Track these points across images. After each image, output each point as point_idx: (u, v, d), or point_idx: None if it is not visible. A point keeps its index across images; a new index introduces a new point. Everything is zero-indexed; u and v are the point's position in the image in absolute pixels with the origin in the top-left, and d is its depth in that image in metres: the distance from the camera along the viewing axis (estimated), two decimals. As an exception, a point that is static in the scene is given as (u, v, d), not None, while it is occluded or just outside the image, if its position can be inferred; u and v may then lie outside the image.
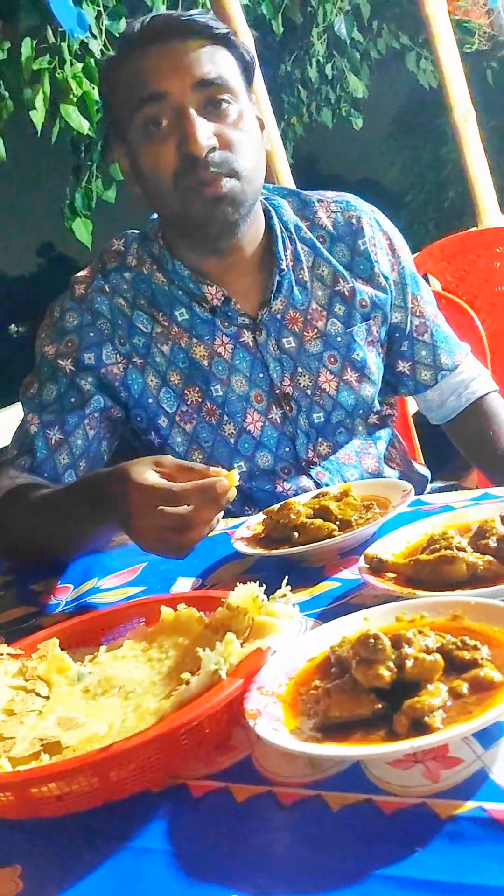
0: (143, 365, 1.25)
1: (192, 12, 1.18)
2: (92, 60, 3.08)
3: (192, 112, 1.12)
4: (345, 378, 1.28)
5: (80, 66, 3.05)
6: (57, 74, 3.08)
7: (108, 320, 1.25)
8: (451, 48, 3.87)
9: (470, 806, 0.48)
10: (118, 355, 1.25)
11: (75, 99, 3.03)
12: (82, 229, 4.11)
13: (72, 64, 3.04)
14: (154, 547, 0.92)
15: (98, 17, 3.02)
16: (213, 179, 1.14)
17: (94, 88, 3.09)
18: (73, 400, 1.24)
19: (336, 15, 4.91)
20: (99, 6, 3.07)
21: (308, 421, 1.27)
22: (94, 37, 3.04)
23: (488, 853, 0.45)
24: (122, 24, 3.07)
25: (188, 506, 0.86)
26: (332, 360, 1.28)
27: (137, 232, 1.32)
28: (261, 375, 1.25)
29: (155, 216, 1.29)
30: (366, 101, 5.74)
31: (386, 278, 1.31)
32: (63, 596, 1.06)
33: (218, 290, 1.22)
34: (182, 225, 1.20)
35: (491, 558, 0.71)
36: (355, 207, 1.32)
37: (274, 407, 1.26)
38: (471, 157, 3.84)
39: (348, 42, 5.15)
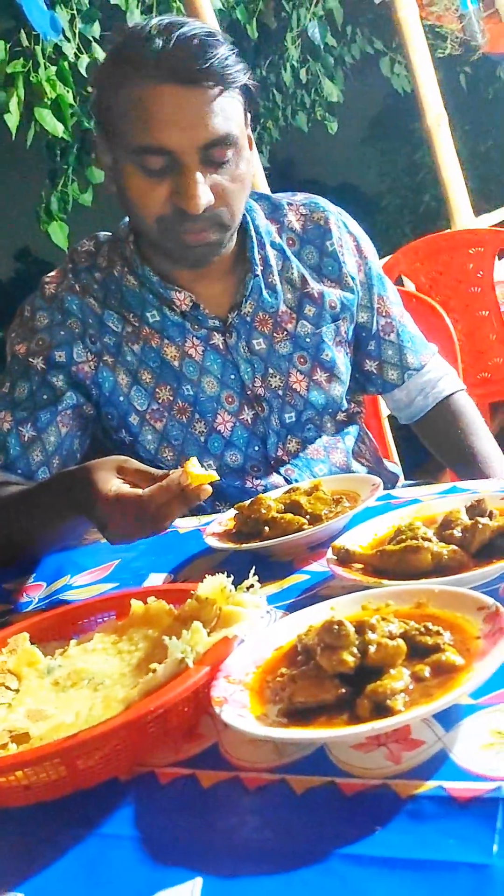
0: (114, 363, 1.25)
1: (216, 49, 1.08)
2: (66, 63, 3.08)
3: (196, 174, 1.09)
4: (315, 378, 1.30)
5: (53, 69, 3.04)
6: (31, 78, 3.07)
7: (79, 319, 1.25)
8: (423, 53, 3.91)
9: (430, 785, 0.49)
10: (89, 353, 1.25)
11: (49, 102, 3.03)
12: (59, 233, 4.10)
13: (46, 67, 3.03)
14: (125, 542, 0.95)
15: (72, 21, 3.02)
16: (199, 230, 1.14)
17: (68, 92, 3.09)
18: (45, 397, 1.24)
19: (310, 20, 4.94)
20: (72, 9, 3.07)
21: (280, 421, 1.28)
22: (68, 40, 3.04)
23: (447, 829, 0.46)
24: (96, 28, 3.08)
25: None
26: (302, 360, 1.29)
27: (108, 234, 1.33)
28: (232, 377, 1.26)
29: (127, 219, 1.29)
30: (341, 105, 5.78)
31: (353, 279, 1.33)
32: (35, 593, 1.06)
33: (186, 296, 1.23)
34: (155, 247, 1.21)
35: (455, 548, 0.72)
36: (323, 209, 1.34)
37: (246, 408, 1.27)
38: (444, 161, 3.88)
39: (322, 47, 5.19)
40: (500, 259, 2.72)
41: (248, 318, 1.26)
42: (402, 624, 0.60)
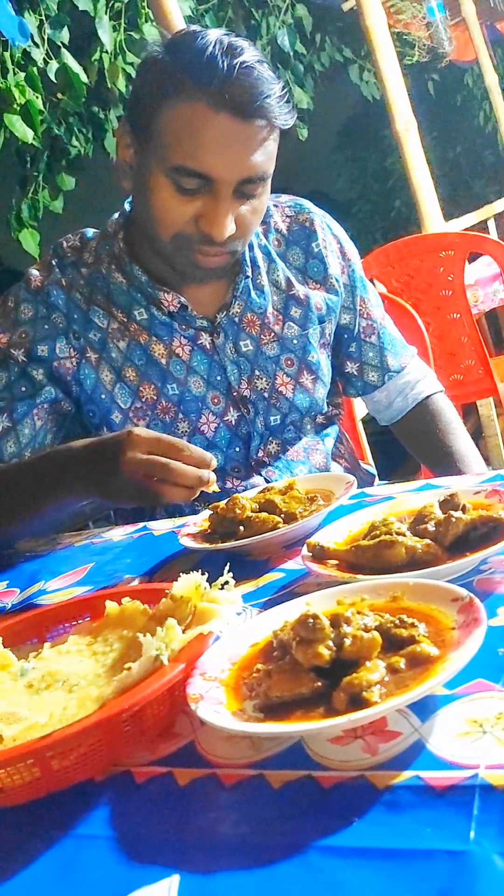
0: (98, 360, 1.24)
1: (273, 87, 1.08)
2: (35, 69, 3.07)
3: (228, 204, 1.11)
4: (300, 380, 1.30)
5: (22, 75, 3.03)
6: (0, 84, 3.06)
7: (64, 314, 1.24)
8: (391, 60, 3.95)
9: (406, 775, 0.49)
10: (72, 349, 1.24)
11: (19, 108, 3.01)
12: (30, 240, 4.08)
13: (14, 73, 3.02)
14: (134, 489, 0.97)
15: (40, 26, 3.01)
16: (214, 255, 1.16)
17: (37, 98, 3.07)
18: (23, 389, 1.23)
19: (279, 28, 4.97)
20: (41, 15, 3.06)
21: (265, 423, 1.28)
22: (37, 45, 3.03)
23: (423, 819, 0.46)
24: (65, 33, 3.07)
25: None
26: (289, 362, 1.29)
27: (95, 230, 1.31)
28: (218, 378, 1.26)
29: (117, 215, 1.29)
30: (311, 112, 5.81)
31: (337, 280, 1.34)
32: (8, 599, 1.05)
33: (174, 297, 1.23)
34: (160, 257, 1.20)
35: (429, 542, 0.72)
36: (308, 210, 1.36)
37: (231, 409, 1.26)
38: (413, 166, 3.92)
39: (292, 54, 5.22)
40: (470, 263, 2.75)
41: (236, 319, 1.26)
42: (377, 617, 0.60)
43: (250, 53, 1.07)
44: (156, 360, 1.24)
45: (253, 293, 1.27)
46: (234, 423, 1.27)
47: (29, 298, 1.25)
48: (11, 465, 1.19)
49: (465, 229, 4.31)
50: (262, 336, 1.28)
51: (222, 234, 1.11)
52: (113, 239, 1.27)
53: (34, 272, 1.27)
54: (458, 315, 2.61)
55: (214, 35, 1.08)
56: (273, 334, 1.28)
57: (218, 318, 1.25)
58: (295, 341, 1.29)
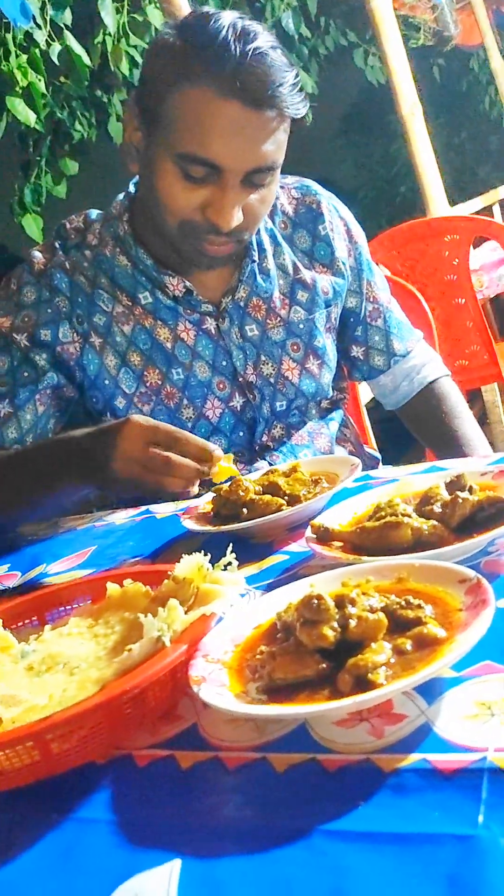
0: (102, 345, 1.22)
1: (286, 76, 1.04)
2: (37, 51, 3.04)
3: (236, 194, 1.08)
4: (307, 366, 1.29)
5: (24, 57, 3.00)
6: (2, 66, 3.03)
7: (67, 298, 1.22)
8: (397, 43, 3.90)
9: (413, 758, 0.48)
10: (75, 334, 1.22)
11: (21, 91, 2.98)
12: (33, 225, 4.06)
13: (17, 55, 2.99)
14: (131, 480, 0.96)
15: (42, 8, 2.97)
16: (221, 244, 1.14)
17: (39, 80, 3.04)
18: (25, 374, 1.21)
19: (283, 11, 4.92)
20: (43, -4, 3.03)
21: (270, 408, 1.27)
22: (39, 27, 3.00)
23: (430, 802, 0.45)
24: (67, 15, 3.03)
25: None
26: (295, 347, 1.28)
27: (99, 211, 1.29)
28: (224, 363, 1.24)
29: (122, 196, 1.26)
30: (315, 97, 5.76)
31: (343, 263, 1.32)
32: (10, 582, 1.04)
33: (179, 281, 1.21)
34: (166, 241, 1.18)
35: (435, 523, 0.71)
36: (315, 192, 1.33)
37: (237, 395, 1.25)
38: (418, 151, 3.88)
39: (296, 38, 5.17)
40: (475, 248, 2.72)
41: (242, 304, 1.25)
42: (382, 598, 0.59)
43: (264, 39, 1.04)
44: (161, 345, 1.22)
45: (259, 277, 1.25)
46: (239, 408, 1.25)
47: (31, 281, 1.23)
48: (12, 452, 1.17)
49: (471, 214, 4.27)
50: (268, 321, 1.26)
51: (229, 225, 1.09)
52: (118, 221, 1.24)
53: (37, 254, 1.25)
54: (464, 300, 2.59)
55: (228, 18, 1.04)
56: (279, 319, 1.27)
57: (223, 303, 1.23)
58: (301, 326, 1.28)
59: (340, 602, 0.57)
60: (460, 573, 0.60)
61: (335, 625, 0.56)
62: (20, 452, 1.16)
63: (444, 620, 0.57)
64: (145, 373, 1.22)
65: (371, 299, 1.37)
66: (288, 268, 1.28)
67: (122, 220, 1.24)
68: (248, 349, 1.25)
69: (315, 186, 1.35)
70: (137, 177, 1.24)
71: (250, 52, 1.01)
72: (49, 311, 1.22)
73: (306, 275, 1.28)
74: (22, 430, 1.21)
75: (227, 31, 1.02)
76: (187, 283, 1.21)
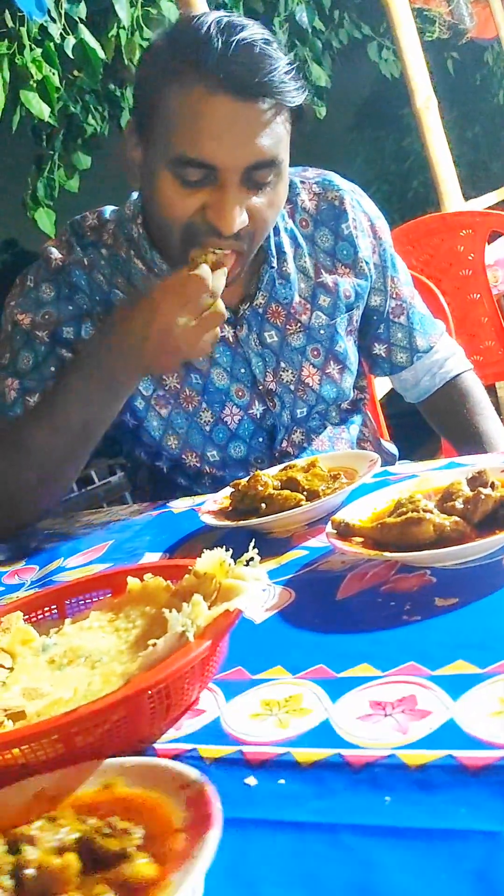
0: None
1: (276, 63, 1.01)
2: (52, 45, 3.03)
3: (235, 194, 1.04)
4: (327, 371, 1.27)
5: (39, 50, 3.00)
6: (16, 60, 3.03)
7: (87, 295, 1.20)
8: (411, 36, 3.89)
9: (439, 754, 0.48)
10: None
11: (35, 84, 2.99)
12: (45, 219, 4.07)
13: (31, 49, 2.98)
14: (173, 341, 1.01)
15: (57, 1, 2.97)
16: (226, 248, 1.09)
17: (53, 74, 3.04)
18: (52, 369, 1.19)
19: (297, 4, 4.90)
20: (58, -11, 3.03)
21: (290, 415, 1.25)
22: (54, 21, 3.00)
23: (457, 798, 0.45)
24: (82, 8, 3.03)
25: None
26: (316, 353, 1.26)
27: (113, 209, 1.26)
28: (242, 371, 1.23)
29: (135, 195, 1.24)
30: (329, 90, 5.74)
31: (367, 263, 1.29)
32: (28, 576, 1.05)
33: None
34: (172, 249, 1.14)
35: (458, 519, 0.71)
36: (338, 187, 1.29)
37: (256, 402, 1.24)
38: (433, 144, 3.87)
39: (310, 31, 5.14)
40: (490, 243, 2.71)
41: (260, 311, 1.22)
42: (76, 824, 0.45)
43: (252, 31, 1.01)
44: None
45: (278, 283, 1.22)
46: (258, 415, 1.24)
47: (49, 278, 1.21)
48: (50, 385, 1.17)
49: (486, 209, 4.25)
50: (288, 326, 1.24)
51: (230, 227, 1.04)
52: (131, 223, 1.22)
53: (53, 251, 1.22)
54: (479, 295, 2.58)
55: (213, 16, 1.02)
56: (299, 324, 1.24)
57: (241, 310, 1.21)
58: (322, 331, 1.25)
59: (14, 844, 0.43)
60: (181, 776, 0.47)
61: (6, 879, 0.41)
62: (57, 383, 1.15)
63: (160, 848, 0.43)
64: (163, 376, 1.22)
65: (395, 296, 1.34)
66: (309, 271, 1.25)
67: (136, 223, 1.21)
68: (267, 356, 1.23)
69: (337, 180, 1.30)
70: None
71: (234, 43, 0.98)
72: (70, 307, 1.20)
73: (328, 278, 1.25)
74: None
75: (210, 26, 1.00)
76: None
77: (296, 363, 1.24)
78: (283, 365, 1.24)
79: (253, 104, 1.01)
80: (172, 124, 1.03)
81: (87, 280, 1.21)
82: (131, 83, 4.39)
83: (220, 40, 0.98)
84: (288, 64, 1.03)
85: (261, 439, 1.25)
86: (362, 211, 1.31)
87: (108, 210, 1.27)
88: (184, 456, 1.25)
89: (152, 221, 1.16)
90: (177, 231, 1.09)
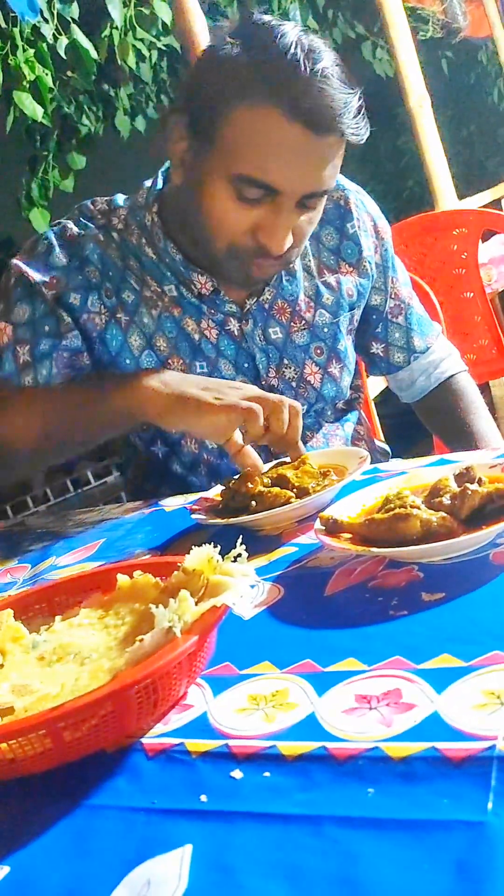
0: (128, 323, 1.20)
1: (351, 101, 1.01)
2: (44, 45, 3.03)
3: (290, 218, 1.05)
4: (329, 370, 1.28)
5: (32, 51, 2.99)
6: (9, 61, 3.03)
7: (98, 269, 1.19)
8: (405, 36, 3.89)
9: (422, 746, 0.48)
10: (102, 306, 1.19)
11: (28, 85, 2.98)
12: (40, 220, 4.07)
13: (24, 49, 2.98)
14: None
15: (50, 1, 2.97)
16: (268, 266, 1.12)
17: (47, 74, 3.04)
18: (47, 328, 1.16)
19: (291, 2, 4.90)
20: (50, -11, 3.02)
21: None
22: (46, 21, 2.99)
23: (440, 790, 0.45)
24: (75, 8, 3.03)
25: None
26: (319, 351, 1.26)
27: (125, 198, 1.25)
28: (246, 365, 1.23)
29: (149, 183, 1.23)
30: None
31: (370, 262, 1.30)
32: (20, 575, 1.05)
33: (208, 279, 1.18)
34: (206, 256, 1.15)
35: (445, 514, 0.71)
36: (343, 187, 1.29)
37: None
38: (426, 143, 3.87)
39: (304, 30, 5.13)
40: (483, 241, 2.71)
41: (267, 306, 1.23)
42: None
43: (329, 58, 1.00)
44: (188, 335, 1.20)
45: (284, 280, 1.23)
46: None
47: (64, 245, 1.19)
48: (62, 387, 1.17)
49: (480, 207, 4.26)
50: (293, 323, 1.24)
51: (281, 248, 1.07)
52: (145, 211, 1.20)
53: (69, 223, 1.21)
54: (472, 294, 2.58)
55: (293, 34, 0.99)
56: (304, 322, 1.25)
57: (248, 305, 1.21)
58: (325, 329, 1.26)
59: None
60: None
61: None
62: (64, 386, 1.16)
63: None
64: (170, 360, 1.20)
65: (394, 296, 1.36)
66: (313, 269, 1.26)
67: (151, 211, 1.20)
68: (270, 352, 1.24)
69: (342, 180, 1.30)
70: (166, 170, 1.21)
71: (319, 73, 0.97)
72: (79, 277, 1.18)
73: (331, 277, 1.26)
74: (37, 383, 1.17)
75: (296, 48, 0.98)
76: (215, 282, 1.19)
77: (299, 360, 1.25)
78: (286, 361, 1.24)
79: (324, 139, 1.02)
80: (242, 141, 1.02)
81: (100, 255, 1.19)
82: (125, 83, 4.40)
83: (306, 68, 0.97)
84: (357, 100, 1.03)
85: None
86: (366, 211, 1.31)
87: (121, 198, 1.25)
88: (183, 441, 1.25)
89: (189, 217, 1.14)
90: (222, 245, 1.10)
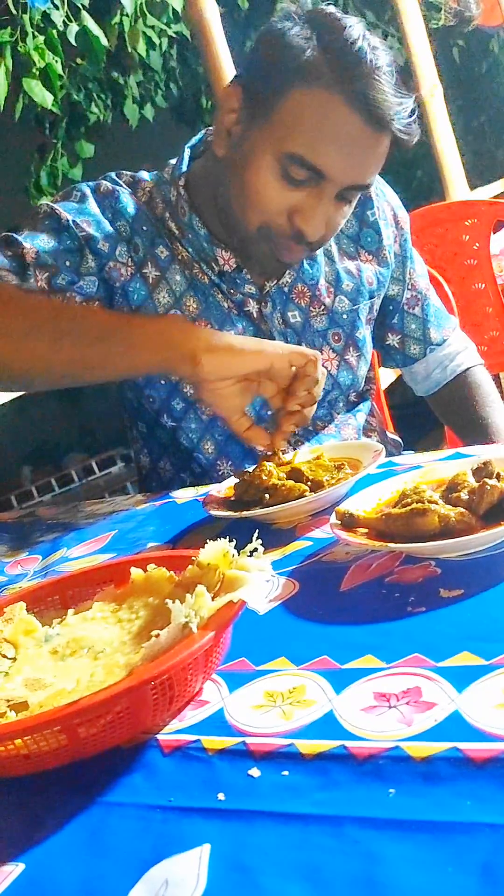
0: (158, 279, 1.17)
1: (408, 101, 1.02)
2: (54, 32, 3.01)
3: (328, 203, 1.06)
4: (346, 357, 1.27)
5: (42, 38, 2.97)
6: (19, 48, 3.00)
7: (129, 224, 1.17)
8: (417, 24, 3.86)
9: (444, 746, 0.48)
10: (130, 259, 1.16)
11: (38, 72, 2.96)
12: (48, 208, 4.04)
13: (34, 36, 2.96)
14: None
15: (60, -12, 2.95)
16: (298, 251, 1.12)
17: (56, 61, 3.02)
18: (68, 263, 1.12)
19: (303, -10, 4.85)
20: (60, -24, 3.00)
21: None
22: (56, 7, 2.97)
23: (462, 791, 0.44)
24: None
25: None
26: (337, 338, 1.26)
27: (151, 173, 1.24)
28: None
29: (174, 161, 1.22)
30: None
31: (389, 251, 1.29)
32: (31, 566, 1.05)
33: (232, 256, 1.17)
34: (234, 234, 1.14)
35: (463, 510, 0.70)
36: None
37: None
38: (438, 132, 3.84)
39: (315, 18, 5.08)
40: (495, 232, 2.69)
41: (286, 289, 1.22)
42: None
43: (388, 57, 1.02)
44: (217, 303, 1.19)
45: (305, 263, 1.22)
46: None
47: (97, 197, 1.17)
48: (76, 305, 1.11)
49: (492, 198, 4.22)
50: (312, 308, 1.23)
51: (316, 235, 1.07)
52: (170, 185, 1.19)
53: (103, 181, 1.20)
54: (483, 285, 2.56)
55: (360, 28, 1.02)
56: (323, 307, 1.24)
57: (267, 286, 1.20)
58: (345, 316, 1.25)
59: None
60: None
61: None
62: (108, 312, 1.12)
63: None
64: (197, 322, 1.18)
65: (411, 286, 1.35)
66: (334, 255, 1.25)
67: (177, 185, 1.18)
68: (289, 335, 1.22)
69: None
70: (193, 145, 1.21)
71: (382, 69, 1.00)
72: (110, 228, 1.16)
73: (352, 264, 1.26)
74: None
75: (363, 41, 1.00)
76: (238, 260, 1.17)
77: (317, 346, 1.24)
78: (303, 346, 1.23)
79: (379, 133, 1.03)
80: (299, 121, 1.02)
81: (135, 210, 1.18)
82: (135, 71, 4.36)
83: (371, 62, 0.99)
84: (413, 102, 1.04)
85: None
86: (386, 200, 1.31)
87: (147, 174, 1.24)
88: (191, 415, 1.23)
89: (226, 190, 1.12)
90: (256, 220, 1.09)
